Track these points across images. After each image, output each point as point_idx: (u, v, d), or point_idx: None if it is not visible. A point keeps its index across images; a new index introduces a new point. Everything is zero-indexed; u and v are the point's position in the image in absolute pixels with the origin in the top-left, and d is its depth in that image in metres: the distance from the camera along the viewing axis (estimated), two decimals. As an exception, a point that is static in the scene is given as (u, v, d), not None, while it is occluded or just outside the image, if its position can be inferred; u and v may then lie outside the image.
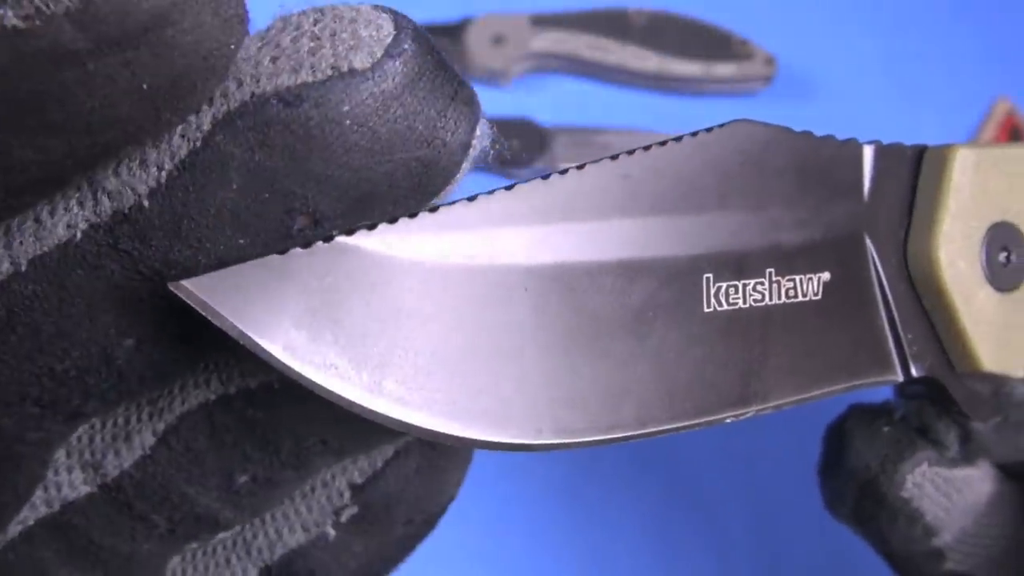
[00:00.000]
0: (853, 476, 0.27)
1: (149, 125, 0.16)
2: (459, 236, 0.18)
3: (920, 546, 0.27)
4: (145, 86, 0.15)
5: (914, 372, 0.24)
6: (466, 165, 0.18)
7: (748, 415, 0.21)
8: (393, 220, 0.18)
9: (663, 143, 0.20)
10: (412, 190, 0.18)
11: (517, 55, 0.50)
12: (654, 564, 0.42)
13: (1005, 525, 0.28)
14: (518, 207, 0.19)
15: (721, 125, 0.21)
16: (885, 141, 0.44)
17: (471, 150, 0.18)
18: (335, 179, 0.17)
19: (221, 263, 0.17)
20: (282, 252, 0.17)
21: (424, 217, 0.18)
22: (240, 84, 0.17)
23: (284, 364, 0.17)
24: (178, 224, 0.17)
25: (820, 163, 0.22)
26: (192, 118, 0.17)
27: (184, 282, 0.16)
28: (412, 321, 0.18)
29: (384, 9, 0.18)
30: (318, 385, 0.17)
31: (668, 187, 0.20)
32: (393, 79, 0.17)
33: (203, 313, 0.16)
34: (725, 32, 0.51)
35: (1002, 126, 0.51)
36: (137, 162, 0.17)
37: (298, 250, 0.17)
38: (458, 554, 0.41)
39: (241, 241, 0.17)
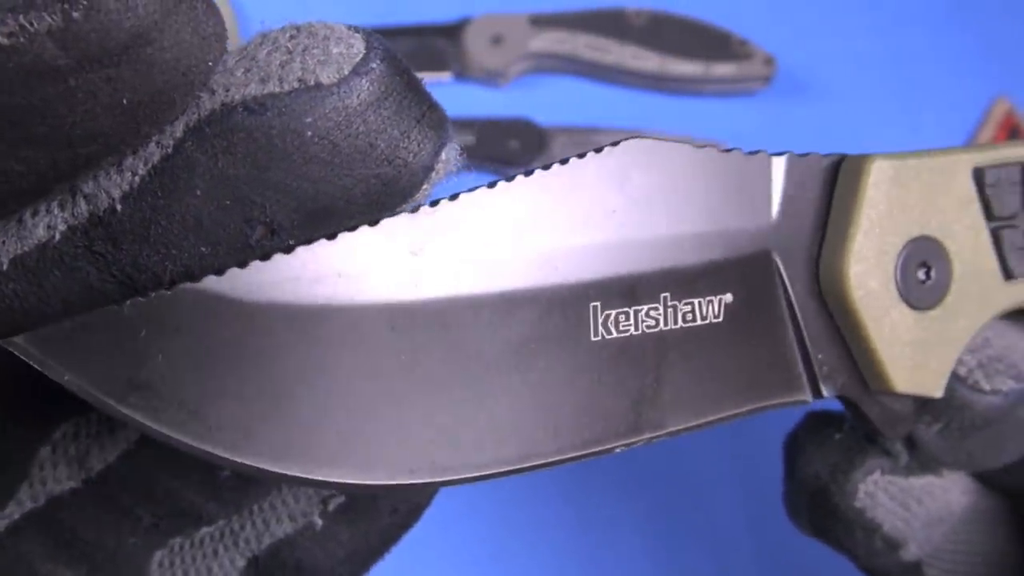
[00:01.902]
0: (805, 486, 0.27)
1: (129, 138, 0.16)
2: (317, 276, 0.17)
3: (886, 559, 0.26)
4: (125, 101, 0.16)
5: (825, 393, 0.23)
6: (427, 187, 0.19)
7: (640, 444, 0.20)
8: (243, 264, 0.17)
9: (547, 166, 0.19)
10: (369, 207, 0.18)
11: (516, 55, 0.50)
12: (653, 564, 0.42)
13: (985, 541, 0.27)
14: (385, 243, 0.18)
15: (615, 143, 0.20)
16: (884, 140, 0.44)
17: (434, 173, 0.18)
18: (293, 189, 0.17)
19: (186, 271, 0.17)
20: (119, 302, 0.16)
21: (278, 259, 0.17)
22: (212, 94, 0.17)
23: (129, 417, 0.16)
24: (147, 229, 0.17)
25: (725, 179, 0.21)
26: (168, 127, 0.17)
27: (17, 338, 0.16)
28: (267, 368, 0.17)
29: (358, 29, 0.18)
30: (173, 439, 0.16)
31: (553, 213, 0.19)
32: (358, 96, 0.17)
33: (40, 368, 0.16)
34: (724, 32, 0.51)
35: (1001, 126, 0.51)
36: (114, 167, 0.17)
37: (139, 299, 0.16)
38: (458, 554, 0.41)
39: (203, 249, 0.17)
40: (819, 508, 0.26)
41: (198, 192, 0.17)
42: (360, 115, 0.17)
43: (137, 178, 0.17)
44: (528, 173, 0.19)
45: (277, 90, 0.17)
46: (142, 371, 0.16)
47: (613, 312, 0.20)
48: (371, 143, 0.18)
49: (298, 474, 0.17)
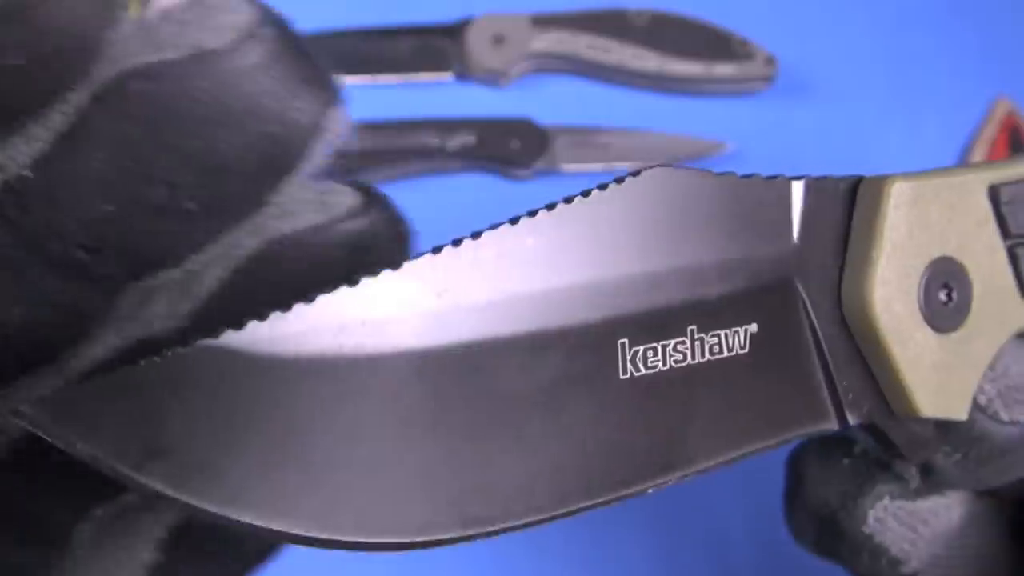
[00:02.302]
0: (814, 511, 0.26)
1: (25, 102, 0.17)
2: (340, 326, 0.17)
3: (887, 574, 0.26)
4: (18, 63, 0.16)
5: (850, 420, 0.22)
6: (321, 148, 0.20)
7: (672, 483, 0.20)
8: (263, 316, 0.17)
9: (569, 199, 0.19)
10: (264, 165, 0.19)
11: (517, 55, 0.50)
12: (654, 564, 0.42)
13: (980, 545, 0.27)
14: (408, 287, 0.18)
15: (635, 173, 0.20)
16: (885, 141, 0.44)
17: (326, 133, 0.19)
18: (189, 150, 0.19)
19: (90, 229, 0.18)
20: (133, 363, 0.16)
21: (299, 309, 0.17)
22: (112, 62, 0.18)
23: (148, 487, 0.16)
24: (55, 193, 0.18)
25: (745, 206, 0.21)
26: (71, 95, 0.18)
27: (23, 407, 0.15)
28: (288, 424, 0.17)
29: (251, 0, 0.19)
30: (196, 508, 0.16)
31: (577, 248, 0.19)
32: (248, 59, 0.19)
33: (49, 439, 0.15)
34: (725, 32, 0.51)
35: (1002, 126, 0.51)
36: (23, 137, 0.18)
37: (154, 359, 0.16)
38: (459, 553, 0.41)
39: (109, 208, 0.18)
40: (827, 533, 0.26)
41: (102, 156, 0.18)
42: (250, 77, 0.19)
43: (44, 145, 0.18)
44: (550, 207, 0.19)
45: (171, 57, 0.18)
46: (160, 436, 0.16)
47: (641, 348, 0.20)
48: (261, 103, 0.19)
49: (328, 536, 0.17)
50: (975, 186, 0.23)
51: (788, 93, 0.52)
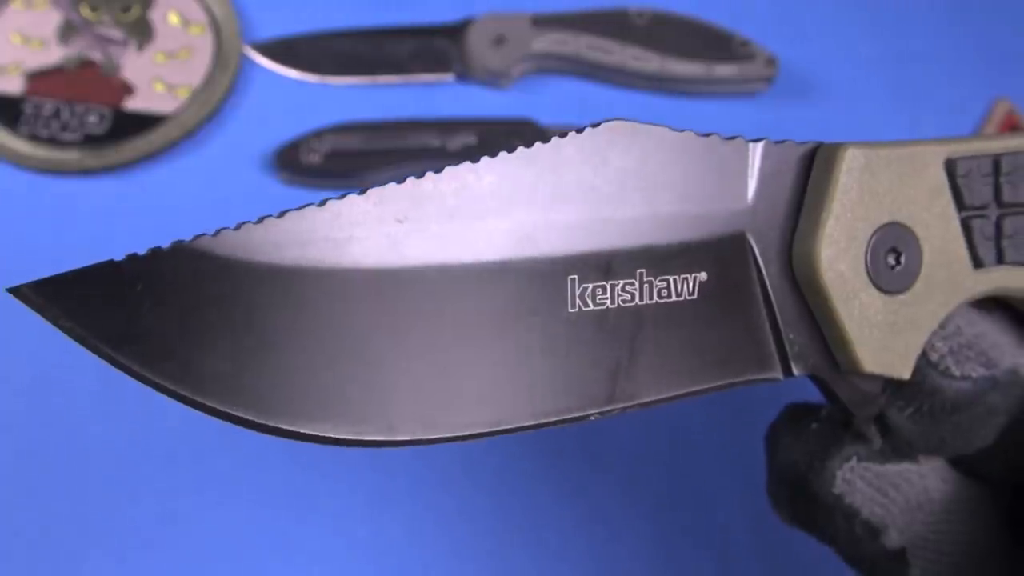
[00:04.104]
0: (785, 476, 0.27)
1: None
2: (306, 240, 0.19)
3: (869, 546, 0.27)
4: None
5: (795, 371, 0.23)
6: None
7: (614, 413, 0.21)
8: (238, 226, 0.18)
9: (530, 144, 0.20)
10: None
11: (518, 56, 0.50)
12: (654, 564, 0.42)
13: (967, 530, 0.28)
14: (371, 211, 0.19)
15: (595, 124, 0.21)
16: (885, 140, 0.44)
17: None
18: None
19: None
20: (124, 257, 0.18)
21: (269, 223, 0.19)
22: None
23: (124, 366, 0.17)
24: None
25: (702, 162, 0.22)
26: None
27: (22, 286, 0.17)
28: (257, 325, 0.18)
29: None
30: (167, 389, 0.18)
31: (533, 189, 0.20)
32: None
33: (39, 314, 0.17)
34: (726, 33, 0.51)
35: (1002, 126, 0.51)
36: None
37: (135, 254, 0.18)
38: (460, 552, 0.41)
39: None
40: (799, 497, 0.27)
41: None
42: None
43: None
44: (511, 150, 0.20)
45: None
46: (137, 323, 0.17)
47: (590, 286, 0.21)
48: None
49: (284, 426, 0.19)
50: (931, 158, 0.24)
51: (789, 94, 0.52)
